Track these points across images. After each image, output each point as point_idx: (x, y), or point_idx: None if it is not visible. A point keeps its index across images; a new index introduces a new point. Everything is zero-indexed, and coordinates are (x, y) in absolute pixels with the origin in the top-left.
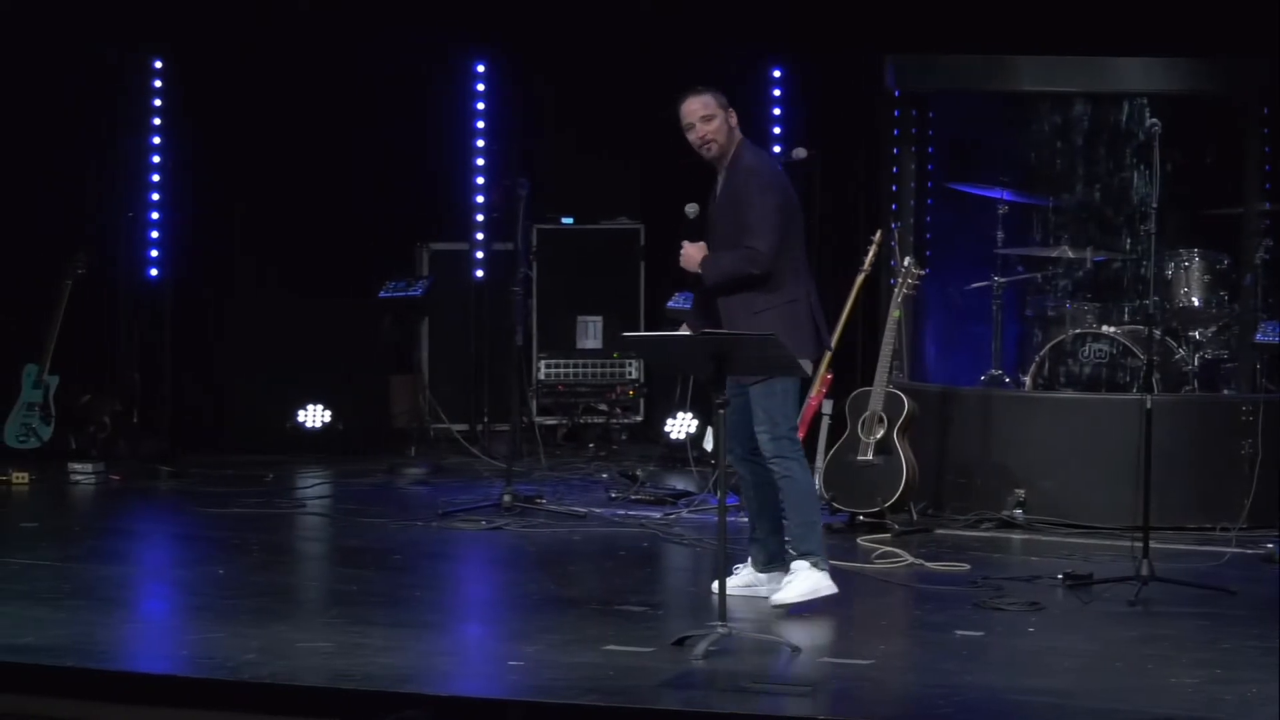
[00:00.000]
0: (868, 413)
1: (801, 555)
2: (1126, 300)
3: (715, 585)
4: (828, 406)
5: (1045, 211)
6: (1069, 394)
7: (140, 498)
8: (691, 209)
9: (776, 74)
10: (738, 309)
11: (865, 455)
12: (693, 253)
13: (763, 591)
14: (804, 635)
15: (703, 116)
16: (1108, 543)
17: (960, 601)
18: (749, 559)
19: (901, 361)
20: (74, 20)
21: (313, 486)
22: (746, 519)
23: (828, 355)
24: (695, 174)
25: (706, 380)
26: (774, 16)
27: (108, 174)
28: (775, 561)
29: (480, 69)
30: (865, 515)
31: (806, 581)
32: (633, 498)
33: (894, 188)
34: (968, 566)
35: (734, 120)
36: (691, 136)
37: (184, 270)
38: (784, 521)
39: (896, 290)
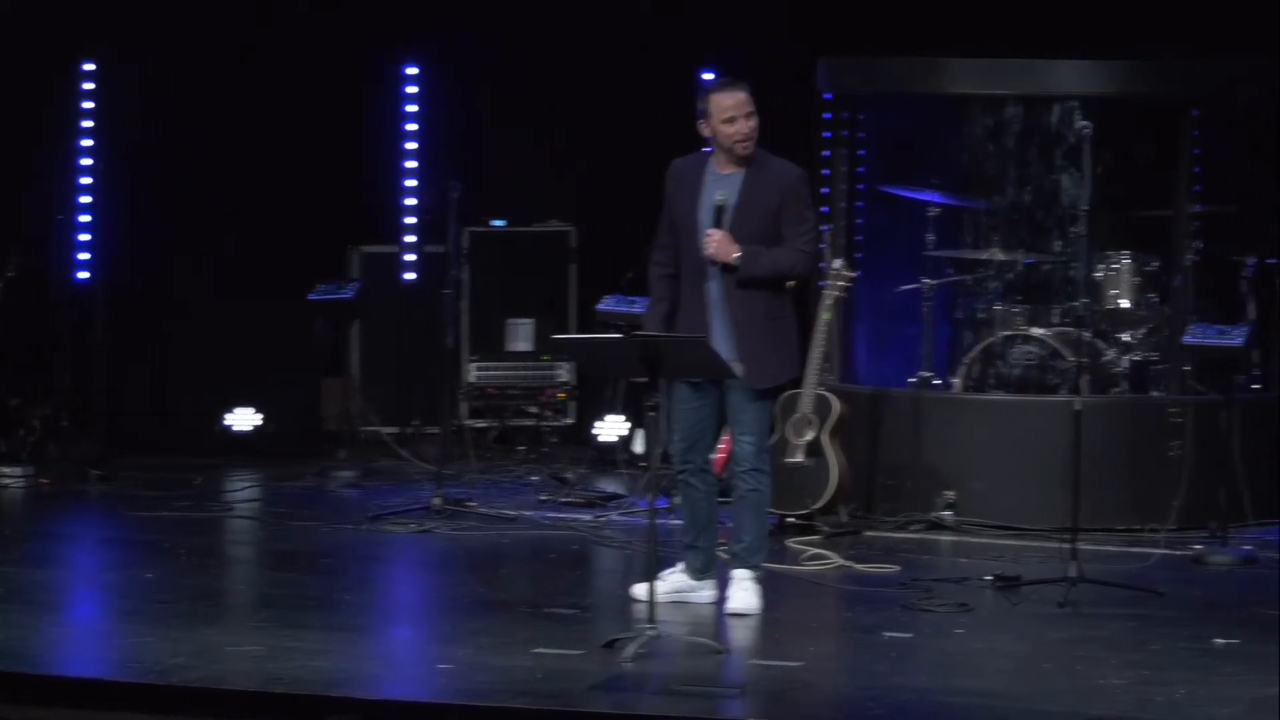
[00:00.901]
0: (797, 414)
1: (750, 567)
2: (1056, 302)
3: (639, 589)
4: None
5: (977, 214)
6: (999, 396)
7: (70, 501)
8: (721, 197)
9: (707, 76)
10: (757, 313)
11: (795, 457)
12: (726, 244)
13: (693, 598)
14: (733, 637)
15: (747, 112)
16: (1037, 544)
17: (889, 603)
18: (682, 564)
19: (832, 363)
20: (2, 21)
21: (242, 490)
22: (681, 523)
23: None
24: (629, 177)
25: (669, 381)
26: (702, 17)
27: (39, 176)
28: (709, 570)
29: (411, 71)
30: (794, 517)
31: (755, 592)
32: (563, 500)
33: (825, 190)
34: (897, 568)
35: None
36: (732, 129)
37: (116, 273)
38: (727, 528)
39: (827, 292)
